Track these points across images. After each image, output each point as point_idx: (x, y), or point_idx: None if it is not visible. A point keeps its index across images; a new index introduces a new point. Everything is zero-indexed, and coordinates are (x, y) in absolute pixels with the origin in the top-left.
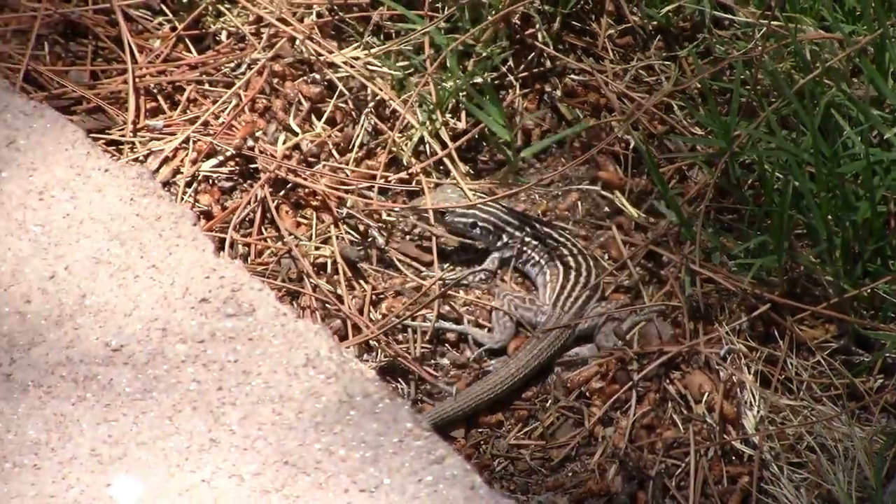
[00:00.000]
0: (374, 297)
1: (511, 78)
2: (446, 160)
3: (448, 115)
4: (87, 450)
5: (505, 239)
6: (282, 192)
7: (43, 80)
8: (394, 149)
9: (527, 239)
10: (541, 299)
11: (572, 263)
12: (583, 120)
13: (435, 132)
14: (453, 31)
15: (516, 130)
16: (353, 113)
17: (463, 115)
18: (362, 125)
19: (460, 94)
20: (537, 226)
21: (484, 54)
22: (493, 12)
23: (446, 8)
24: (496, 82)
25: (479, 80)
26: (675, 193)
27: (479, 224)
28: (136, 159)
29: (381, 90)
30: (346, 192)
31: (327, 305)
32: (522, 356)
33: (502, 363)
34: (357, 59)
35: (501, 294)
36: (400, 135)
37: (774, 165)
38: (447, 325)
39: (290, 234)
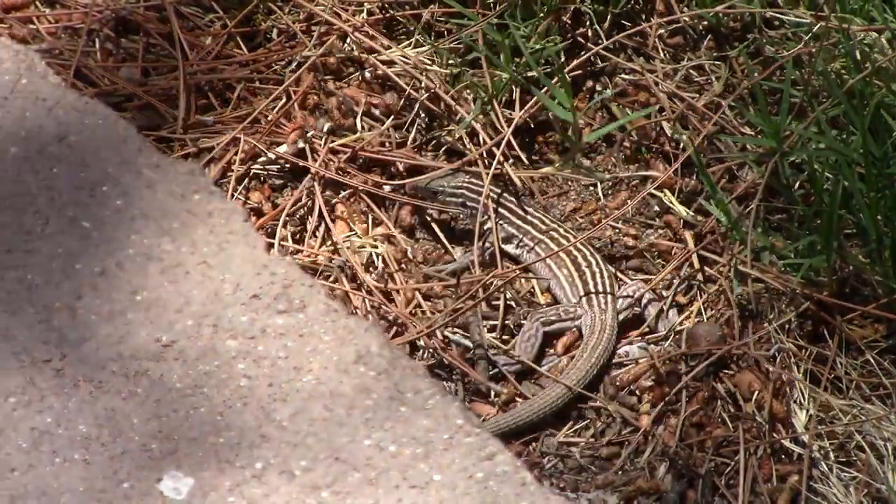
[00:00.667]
0: (421, 294)
1: (565, 74)
2: (495, 150)
3: (502, 108)
4: (138, 445)
5: (490, 223)
6: (332, 189)
7: (94, 77)
8: (448, 139)
9: (516, 222)
10: (568, 301)
11: (579, 257)
12: (634, 121)
13: (490, 123)
14: (504, 27)
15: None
16: (406, 108)
17: (517, 106)
18: (415, 119)
19: (515, 88)
20: (527, 210)
21: (538, 47)
22: (545, 9)
23: (498, 5)
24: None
25: (532, 73)
26: (725, 193)
27: (468, 203)
28: (186, 156)
29: (434, 84)
30: (396, 187)
31: (376, 303)
32: (581, 365)
33: (560, 373)
34: (408, 56)
35: (534, 317)
36: (455, 126)
37: (824, 165)
38: (461, 341)
39: (341, 231)
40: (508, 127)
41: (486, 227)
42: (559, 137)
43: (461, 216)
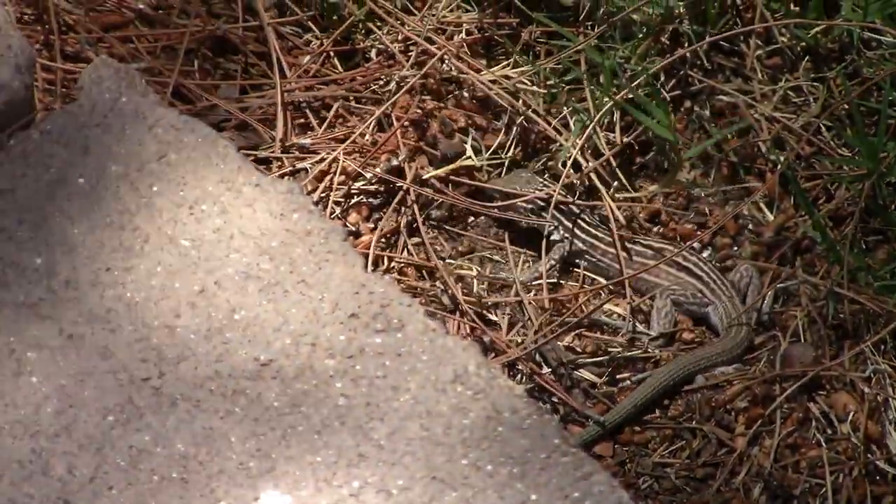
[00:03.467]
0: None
1: (664, 94)
2: (594, 176)
3: (603, 130)
4: (236, 464)
5: (561, 231)
6: (429, 211)
7: (192, 96)
8: (550, 163)
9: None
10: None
11: (691, 266)
12: (731, 140)
13: (592, 147)
14: (603, 49)
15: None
16: (505, 130)
17: (617, 128)
18: (513, 141)
19: (615, 109)
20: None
21: (639, 69)
22: (645, 30)
23: (597, 26)
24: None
25: (631, 95)
26: (822, 214)
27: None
28: (284, 175)
29: (533, 106)
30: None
31: (471, 325)
32: (729, 342)
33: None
34: (508, 77)
35: (664, 294)
36: (555, 146)
37: None
38: (605, 319)
39: (438, 252)
40: (609, 149)
41: (560, 239)
42: (658, 157)
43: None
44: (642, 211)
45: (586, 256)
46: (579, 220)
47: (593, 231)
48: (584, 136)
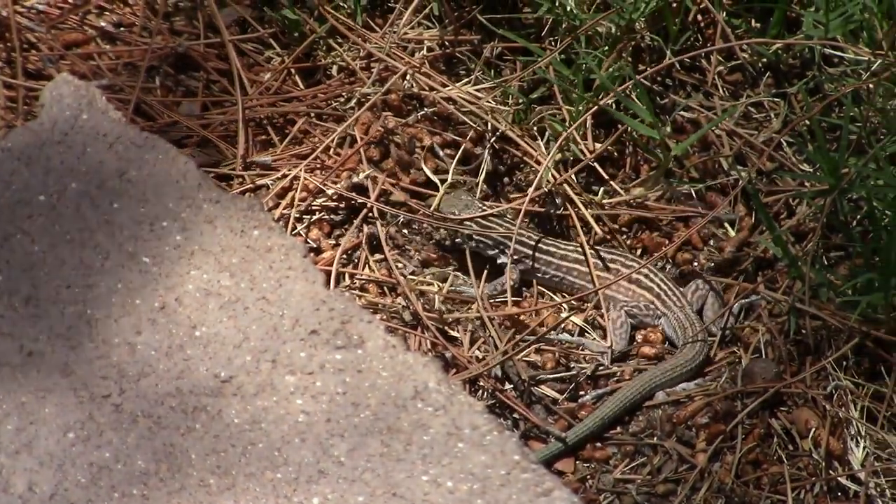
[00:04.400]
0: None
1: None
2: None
3: (581, 140)
4: (196, 480)
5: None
6: (391, 227)
7: (154, 113)
8: (522, 179)
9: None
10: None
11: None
12: (691, 157)
13: (567, 158)
14: (569, 63)
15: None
16: (474, 146)
17: (590, 136)
18: (486, 157)
19: (589, 117)
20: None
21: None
22: (608, 43)
23: (560, 41)
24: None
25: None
26: (783, 230)
27: (475, 237)
28: (245, 191)
29: (502, 123)
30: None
31: (433, 341)
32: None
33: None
34: (474, 95)
35: (617, 306)
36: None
37: (883, 202)
38: (566, 336)
39: (399, 268)
40: (587, 157)
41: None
42: (636, 160)
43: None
44: (622, 218)
45: (543, 272)
46: (539, 255)
47: (550, 247)
48: (559, 145)
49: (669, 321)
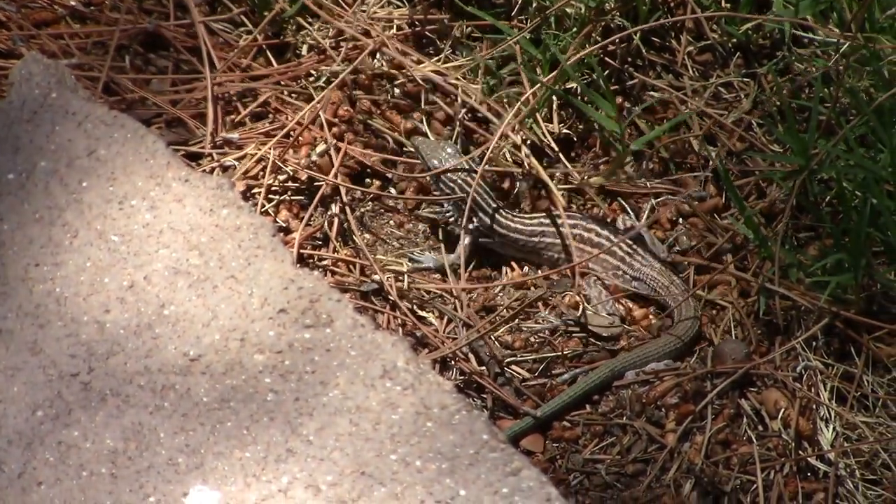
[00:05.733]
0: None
1: (603, 86)
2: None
3: (543, 122)
4: (165, 459)
5: (476, 223)
6: (360, 205)
7: (123, 92)
8: (491, 155)
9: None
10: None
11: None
12: (661, 137)
13: (531, 137)
14: (538, 42)
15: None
16: (443, 123)
17: (555, 119)
18: (457, 134)
19: (554, 98)
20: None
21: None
22: (578, 24)
23: (530, 20)
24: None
25: (571, 85)
26: (754, 211)
27: (457, 196)
28: (214, 170)
29: (472, 98)
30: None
31: (403, 320)
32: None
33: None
34: (441, 73)
35: (590, 282)
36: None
37: (852, 183)
38: (554, 320)
39: (369, 246)
40: (550, 138)
41: (471, 227)
42: (600, 148)
43: (449, 214)
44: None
45: (506, 244)
46: (497, 217)
47: (511, 220)
48: (521, 124)
49: (645, 283)
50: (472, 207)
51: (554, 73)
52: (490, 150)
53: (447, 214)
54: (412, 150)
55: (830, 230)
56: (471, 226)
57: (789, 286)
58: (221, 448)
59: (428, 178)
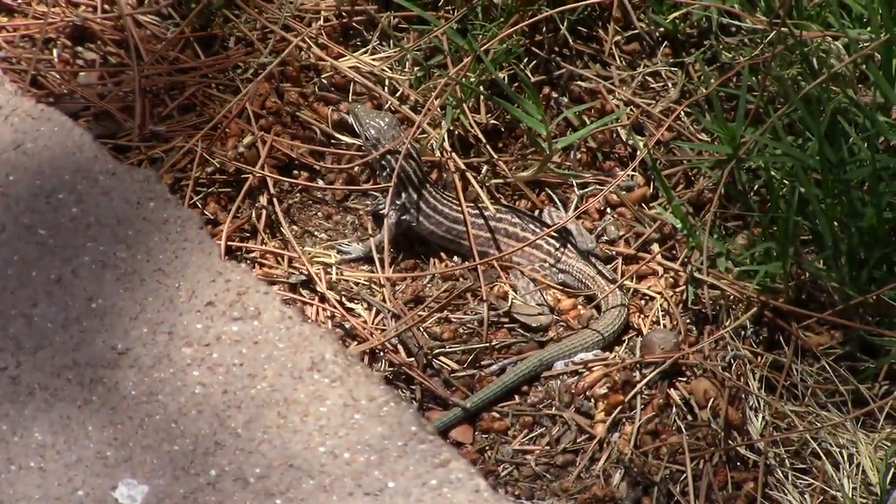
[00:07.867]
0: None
1: (527, 77)
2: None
3: (471, 112)
4: (93, 452)
5: (403, 198)
6: (288, 197)
7: (50, 85)
8: (417, 146)
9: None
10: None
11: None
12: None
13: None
14: (463, 32)
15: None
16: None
17: (482, 109)
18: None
19: (482, 88)
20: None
21: (499, 49)
22: (505, 14)
23: (457, 10)
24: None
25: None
26: (681, 200)
27: (390, 163)
28: (141, 163)
29: (400, 87)
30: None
31: (332, 312)
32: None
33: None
34: (367, 63)
35: (517, 275)
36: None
37: (780, 171)
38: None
39: (297, 239)
40: (476, 130)
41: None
42: (528, 139)
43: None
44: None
45: (429, 226)
46: (424, 194)
47: (439, 202)
48: (450, 118)
49: (571, 276)
50: (401, 180)
51: (465, 62)
52: (415, 130)
53: (377, 203)
54: (349, 117)
55: (759, 219)
56: (398, 201)
57: (718, 275)
58: (150, 441)
59: (364, 147)
